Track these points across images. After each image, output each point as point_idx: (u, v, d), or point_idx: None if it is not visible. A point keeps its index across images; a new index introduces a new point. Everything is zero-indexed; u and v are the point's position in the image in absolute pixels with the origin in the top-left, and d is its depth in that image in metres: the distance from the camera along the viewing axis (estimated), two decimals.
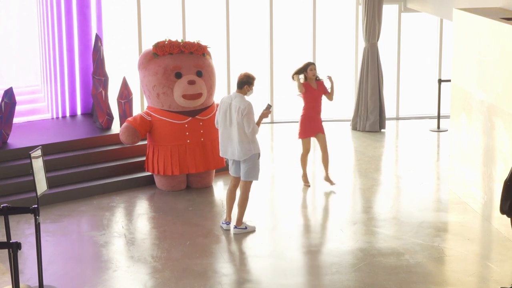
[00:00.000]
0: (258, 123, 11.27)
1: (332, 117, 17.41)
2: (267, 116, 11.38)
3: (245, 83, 11.24)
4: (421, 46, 18.07)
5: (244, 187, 11.41)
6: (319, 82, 13.06)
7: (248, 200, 11.51)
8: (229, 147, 11.35)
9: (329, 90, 13.06)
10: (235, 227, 11.51)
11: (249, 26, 17.56)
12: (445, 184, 13.33)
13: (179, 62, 13.09)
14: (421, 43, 18.06)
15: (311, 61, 13.16)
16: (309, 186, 13.29)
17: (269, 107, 11.42)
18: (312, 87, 12.97)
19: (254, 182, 11.69)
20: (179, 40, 13.31)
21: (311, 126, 13.06)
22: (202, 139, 13.16)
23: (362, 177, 13.74)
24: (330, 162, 13.75)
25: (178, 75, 13.04)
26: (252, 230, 11.55)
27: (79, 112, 15.29)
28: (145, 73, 13.17)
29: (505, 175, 10.54)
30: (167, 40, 13.21)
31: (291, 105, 17.58)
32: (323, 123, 13.23)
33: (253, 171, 11.34)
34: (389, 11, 17.10)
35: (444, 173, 13.83)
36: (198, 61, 13.22)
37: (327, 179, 13.27)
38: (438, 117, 16.71)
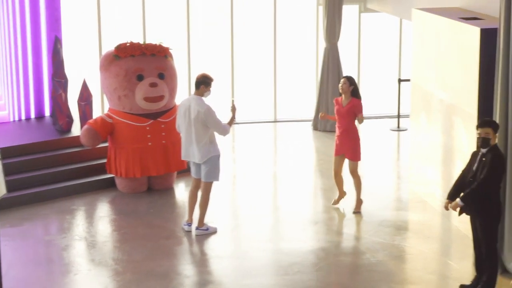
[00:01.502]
0: (231, 123, 11.32)
1: (293, 118, 17.45)
2: (235, 111, 11.43)
3: (202, 83, 11.24)
4: (381, 46, 18.17)
5: (205, 188, 11.41)
6: (354, 100, 11.75)
7: (209, 201, 11.51)
8: (189, 150, 11.36)
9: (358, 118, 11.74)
10: (197, 228, 11.50)
11: (210, 27, 17.55)
12: (405, 183, 13.41)
13: (140, 64, 13.03)
14: (381, 43, 18.17)
15: (347, 74, 11.98)
16: (334, 203, 12.26)
17: (232, 102, 11.53)
18: (341, 103, 11.87)
19: (215, 183, 11.69)
20: (141, 42, 13.26)
21: (337, 144, 11.98)
22: (163, 142, 13.12)
23: (324, 177, 13.77)
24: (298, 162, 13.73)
25: (140, 78, 12.98)
26: (214, 231, 11.54)
27: (38, 114, 15.17)
28: (106, 75, 13.10)
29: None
30: (129, 41, 13.15)
31: (251, 105, 17.60)
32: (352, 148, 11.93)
33: (214, 172, 11.35)
34: (349, 12, 17.18)
35: (404, 172, 13.91)
36: (160, 63, 13.17)
37: (356, 202, 12.16)
38: (398, 116, 16.81)
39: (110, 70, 13.03)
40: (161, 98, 13.01)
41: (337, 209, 12.27)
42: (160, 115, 13.11)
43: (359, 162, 12.01)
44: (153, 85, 12.95)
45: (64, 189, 13.03)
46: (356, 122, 11.86)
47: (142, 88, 12.92)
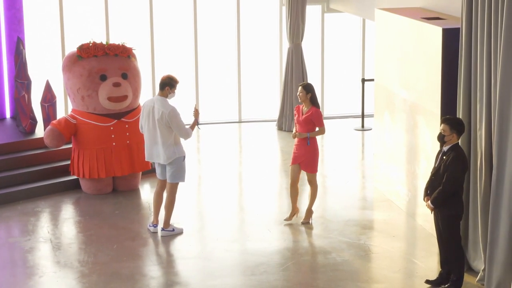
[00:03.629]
0: (193, 127, 11.33)
1: (258, 118, 17.47)
2: (198, 115, 11.44)
3: (167, 84, 11.25)
4: (344, 46, 18.25)
5: (170, 189, 11.39)
6: (312, 109, 11.38)
7: (175, 202, 11.50)
8: (154, 151, 11.34)
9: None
10: (163, 229, 11.48)
11: (174, 27, 17.52)
12: (370, 182, 13.49)
13: (104, 65, 13.00)
14: (345, 43, 18.25)
15: (306, 82, 11.42)
16: (286, 219, 11.77)
17: (195, 107, 11.53)
18: (301, 112, 11.49)
19: (180, 184, 11.68)
20: (104, 42, 13.23)
21: (294, 153, 11.62)
22: (128, 142, 13.09)
23: (289, 177, 13.76)
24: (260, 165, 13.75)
25: (103, 78, 12.95)
26: (180, 232, 11.53)
27: (5, 116, 15.05)
28: (69, 76, 13.05)
29: (428, 172, 10.72)
30: (92, 42, 13.11)
31: (216, 106, 17.59)
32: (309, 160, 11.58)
33: (179, 173, 11.34)
34: (312, 12, 17.23)
35: (369, 172, 13.99)
36: (123, 63, 13.15)
37: (306, 211, 11.85)
38: (362, 116, 16.89)
39: (73, 71, 12.99)
40: (124, 98, 12.99)
41: (303, 209, 12.27)
42: (124, 115, 13.08)
43: (316, 173, 11.74)
44: (116, 84, 12.93)
45: (28, 191, 12.94)
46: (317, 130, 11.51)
47: (106, 88, 12.90)
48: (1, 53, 14.88)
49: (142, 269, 10.48)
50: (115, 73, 13.02)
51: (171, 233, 11.47)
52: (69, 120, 13.07)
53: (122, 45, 13.25)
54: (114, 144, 13.00)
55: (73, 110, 13.25)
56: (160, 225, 11.58)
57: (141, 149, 13.02)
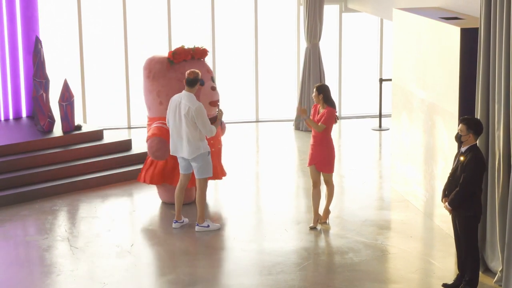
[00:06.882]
0: (217, 125, 11.36)
1: (275, 117, 17.47)
2: (221, 115, 11.52)
3: (198, 81, 11.26)
4: (362, 45, 18.22)
5: (199, 185, 11.44)
6: (327, 108, 11.36)
7: (206, 197, 11.51)
8: (178, 145, 11.37)
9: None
10: (197, 224, 11.52)
11: (192, 28, 17.56)
12: (387, 183, 13.46)
13: (196, 69, 12.02)
14: (362, 43, 18.22)
15: (320, 83, 11.48)
16: (312, 227, 11.60)
17: (218, 107, 11.52)
18: (316, 112, 11.52)
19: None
20: (191, 47, 12.66)
21: (310, 154, 11.55)
22: (219, 146, 12.64)
23: (306, 177, 13.79)
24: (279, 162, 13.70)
25: (202, 82, 12.13)
26: (216, 229, 11.53)
27: (16, 115, 15.09)
28: (163, 82, 12.34)
29: (445, 173, 10.68)
30: (182, 46, 12.52)
31: (233, 106, 17.60)
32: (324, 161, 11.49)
33: (206, 168, 11.40)
34: (330, 11, 17.21)
35: (386, 172, 13.96)
36: (207, 67, 12.56)
37: (324, 211, 11.82)
38: (380, 116, 16.86)
39: (169, 77, 12.37)
40: (218, 102, 12.42)
41: (320, 208, 12.23)
42: (213, 121, 12.12)
43: (333, 173, 11.65)
44: (214, 88, 12.28)
45: (45, 189, 12.98)
46: (333, 130, 11.50)
47: (206, 92, 12.27)
48: (17, 52, 14.93)
49: (159, 267, 10.49)
50: (207, 77, 12.41)
51: (206, 229, 11.49)
52: (164, 127, 12.20)
53: (203, 48, 12.64)
54: (213, 150, 12.28)
55: (160, 118, 12.39)
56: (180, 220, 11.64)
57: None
